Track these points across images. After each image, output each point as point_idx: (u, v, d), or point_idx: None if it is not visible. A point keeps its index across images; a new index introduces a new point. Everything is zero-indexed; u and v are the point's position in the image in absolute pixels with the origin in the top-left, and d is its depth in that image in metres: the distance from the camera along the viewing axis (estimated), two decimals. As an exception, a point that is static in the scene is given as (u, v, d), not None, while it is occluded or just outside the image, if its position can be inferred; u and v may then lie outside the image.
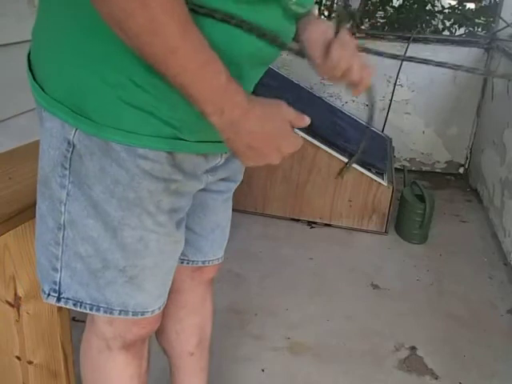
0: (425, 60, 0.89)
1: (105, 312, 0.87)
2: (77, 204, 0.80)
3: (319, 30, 0.86)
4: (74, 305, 0.86)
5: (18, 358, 1.19)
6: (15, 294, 1.12)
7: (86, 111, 0.74)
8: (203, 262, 1.10)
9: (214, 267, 1.15)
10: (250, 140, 0.72)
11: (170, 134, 0.77)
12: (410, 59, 0.93)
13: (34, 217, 1.04)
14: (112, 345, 0.94)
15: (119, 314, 0.87)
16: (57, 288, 0.86)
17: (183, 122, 0.77)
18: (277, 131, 0.73)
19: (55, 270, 0.85)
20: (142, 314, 0.90)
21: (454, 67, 0.90)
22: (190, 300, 1.17)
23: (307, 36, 0.86)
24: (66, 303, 0.87)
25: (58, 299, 0.87)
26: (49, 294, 0.87)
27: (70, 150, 0.77)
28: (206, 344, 1.26)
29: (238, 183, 1.06)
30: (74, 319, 1.36)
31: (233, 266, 2.10)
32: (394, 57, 0.89)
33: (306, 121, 0.76)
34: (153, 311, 0.91)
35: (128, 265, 0.84)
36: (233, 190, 1.07)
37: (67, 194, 0.80)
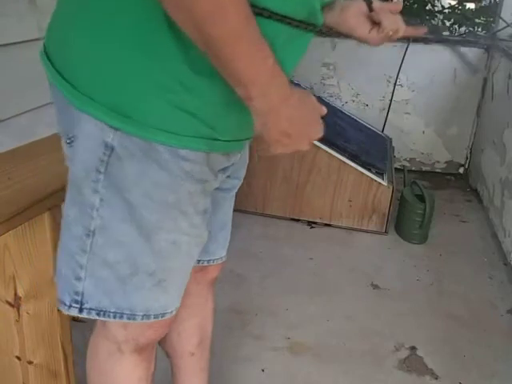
0: (427, 38, 1.00)
1: (128, 319, 0.86)
2: (110, 209, 0.78)
3: (355, 10, 0.96)
4: (98, 314, 0.85)
5: (18, 358, 1.19)
6: (15, 294, 1.13)
7: (129, 112, 0.73)
8: (208, 262, 1.11)
9: (218, 267, 1.15)
10: (288, 126, 0.72)
11: (208, 134, 0.77)
12: (415, 41, 1.07)
13: (35, 217, 1.05)
14: (124, 348, 0.93)
15: (142, 318, 0.87)
16: (79, 299, 0.84)
17: (220, 121, 0.78)
18: (310, 118, 0.76)
19: (78, 279, 0.83)
20: (163, 315, 0.89)
21: (456, 48, 0.99)
22: (192, 300, 1.17)
23: (347, 19, 0.96)
24: (88, 313, 0.85)
25: (81, 310, 0.85)
26: (70, 306, 0.85)
27: (108, 153, 0.75)
28: (207, 344, 1.26)
29: (242, 181, 1.07)
30: (74, 319, 1.36)
31: (233, 266, 2.09)
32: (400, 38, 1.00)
33: (325, 110, 0.79)
34: (171, 312, 0.91)
35: (158, 268, 0.84)
36: (237, 188, 1.07)
37: (100, 200, 0.78)
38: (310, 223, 2.55)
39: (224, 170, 0.90)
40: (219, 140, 0.79)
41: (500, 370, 1.65)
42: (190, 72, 0.71)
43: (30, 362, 1.20)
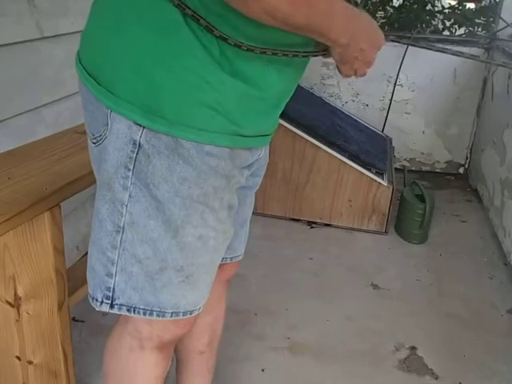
0: (428, 46, 0.96)
1: (157, 316, 0.87)
2: (138, 205, 0.80)
3: None
4: (128, 310, 0.86)
5: (18, 358, 1.19)
6: (15, 294, 1.13)
7: (158, 110, 0.75)
8: (231, 259, 1.12)
9: (235, 265, 1.16)
10: (362, 40, 0.77)
11: (232, 130, 0.79)
12: (413, 44, 1.02)
13: (35, 217, 1.05)
14: (146, 344, 0.93)
15: (171, 316, 0.87)
16: (110, 294, 0.86)
17: (244, 117, 0.79)
18: (374, 27, 0.81)
19: (110, 275, 0.85)
20: (191, 312, 0.90)
21: (456, 53, 0.96)
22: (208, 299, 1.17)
23: None
24: (119, 309, 0.86)
25: (112, 306, 0.86)
26: (102, 302, 0.86)
27: (136, 150, 0.78)
28: (216, 344, 1.26)
29: (262, 179, 1.08)
30: (74, 319, 1.36)
31: (233, 266, 2.09)
32: (398, 40, 0.98)
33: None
34: (199, 308, 0.92)
35: (186, 264, 0.85)
36: (258, 186, 1.08)
37: (129, 196, 0.80)
38: (310, 223, 2.55)
39: (249, 166, 0.91)
40: (243, 136, 0.81)
41: (500, 370, 1.65)
42: (213, 69, 0.73)
43: (30, 362, 1.20)
